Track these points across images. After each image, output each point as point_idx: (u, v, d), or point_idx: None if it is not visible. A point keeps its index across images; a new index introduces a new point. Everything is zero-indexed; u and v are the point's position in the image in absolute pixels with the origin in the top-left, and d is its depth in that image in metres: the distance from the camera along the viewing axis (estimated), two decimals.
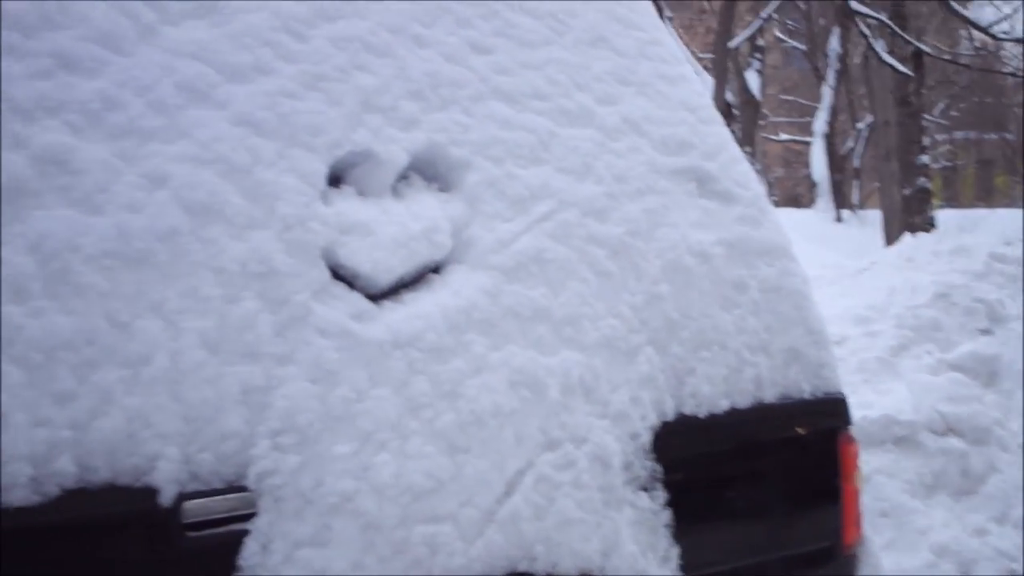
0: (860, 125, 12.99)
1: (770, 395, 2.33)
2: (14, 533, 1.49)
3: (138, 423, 1.55)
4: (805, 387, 2.38)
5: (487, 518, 1.82)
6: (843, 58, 14.14)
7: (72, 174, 1.59)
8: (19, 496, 1.46)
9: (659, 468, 2.11)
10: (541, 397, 1.93)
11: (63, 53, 1.65)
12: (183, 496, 1.57)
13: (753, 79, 13.92)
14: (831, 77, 14.56)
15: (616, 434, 2.08)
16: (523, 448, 1.89)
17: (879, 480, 3.47)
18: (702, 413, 2.23)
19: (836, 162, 14.58)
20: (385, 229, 1.86)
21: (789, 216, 10.08)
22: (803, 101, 15.75)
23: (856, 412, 2.60)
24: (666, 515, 2.07)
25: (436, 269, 1.93)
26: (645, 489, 2.07)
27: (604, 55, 2.36)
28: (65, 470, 1.49)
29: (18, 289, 1.50)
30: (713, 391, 2.25)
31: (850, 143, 15.54)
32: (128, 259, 1.59)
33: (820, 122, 14.71)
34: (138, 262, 1.60)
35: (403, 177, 1.95)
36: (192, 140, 1.70)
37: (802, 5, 14.71)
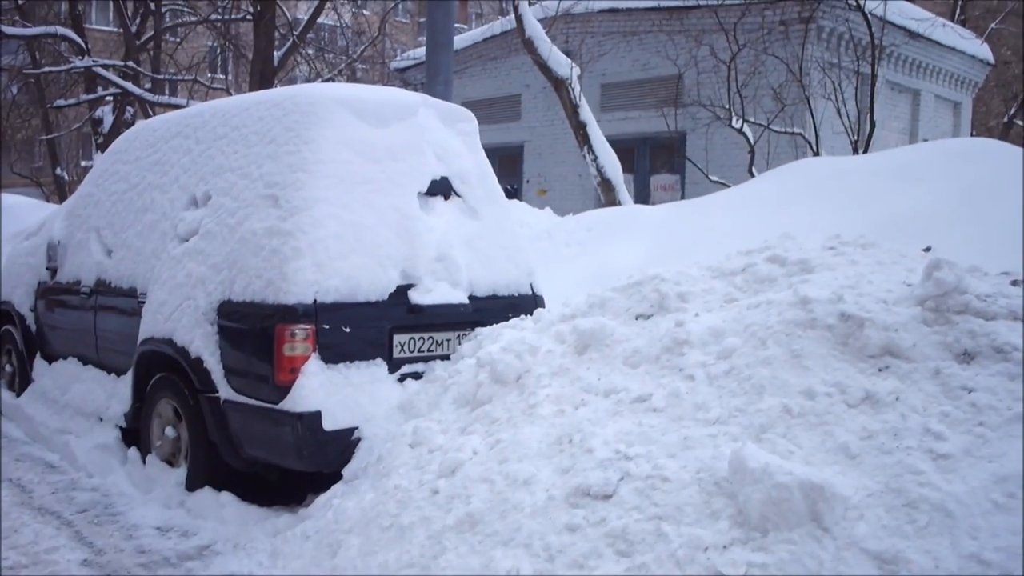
0: None
1: (253, 297, 4.77)
2: None
3: None
4: (270, 296, 4.74)
5: None
6: None
7: None
8: None
9: (216, 317, 5.01)
10: None
11: None
12: None
13: None
14: None
15: (207, 302, 5.07)
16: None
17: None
18: (237, 298, 4.90)
19: None
20: None
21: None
22: None
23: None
24: (216, 338, 5.06)
25: None
26: (211, 324, 5.09)
27: None
28: None
29: None
30: (243, 289, 4.83)
31: None
32: None
33: None
34: None
35: None
36: None
37: None
